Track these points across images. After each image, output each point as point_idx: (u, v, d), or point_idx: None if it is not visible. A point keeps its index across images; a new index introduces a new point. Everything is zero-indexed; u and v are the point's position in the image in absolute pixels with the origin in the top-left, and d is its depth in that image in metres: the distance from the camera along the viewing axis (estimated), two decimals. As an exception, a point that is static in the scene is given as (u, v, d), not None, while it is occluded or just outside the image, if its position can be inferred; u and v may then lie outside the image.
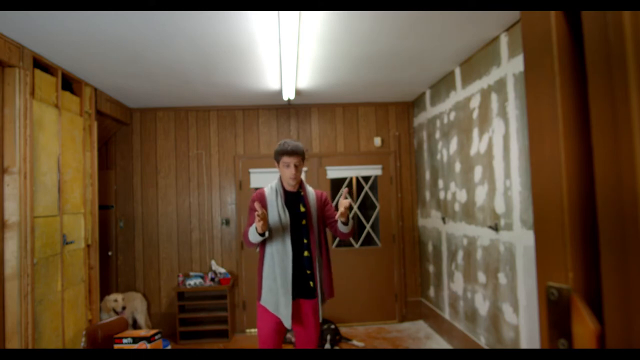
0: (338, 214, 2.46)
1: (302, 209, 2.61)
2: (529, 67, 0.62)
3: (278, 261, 2.51)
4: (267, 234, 2.46)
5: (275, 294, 2.51)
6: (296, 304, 2.55)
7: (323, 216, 2.68)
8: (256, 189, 5.24)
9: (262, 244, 2.59)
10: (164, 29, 2.96)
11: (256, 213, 2.33)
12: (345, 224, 2.52)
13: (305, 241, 2.57)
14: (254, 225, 2.46)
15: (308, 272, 2.56)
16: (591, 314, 0.51)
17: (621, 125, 0.46)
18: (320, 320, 2.59)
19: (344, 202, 2.42)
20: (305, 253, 2.56)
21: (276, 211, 2.56)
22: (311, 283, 2.56)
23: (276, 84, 4.39)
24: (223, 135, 5.30)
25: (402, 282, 5.33)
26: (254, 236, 2.47)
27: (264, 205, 2.57)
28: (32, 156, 3.16)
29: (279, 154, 2.56)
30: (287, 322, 2.46)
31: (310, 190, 2.71)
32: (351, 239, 5.41)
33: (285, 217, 2.55)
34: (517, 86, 3.04)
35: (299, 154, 2.57)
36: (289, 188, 2.64)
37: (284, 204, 2.58)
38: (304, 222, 2.59)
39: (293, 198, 2.63)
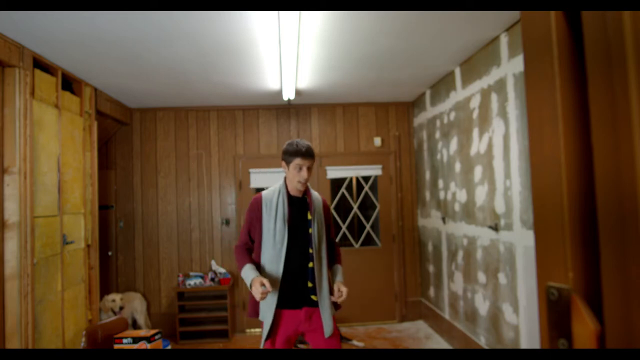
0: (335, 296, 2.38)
1: (309, 217, 2.40)
2: (529, 67, 0.62)
3: (269, 274, 2.34)
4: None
5: (266, 308, 2.35)
6: (305, 314, 2.35)
7: (326, 225, 2.51)
8: (257, 189, 5.25)
9: (257, 255, 2.43)
10: (164, 29, 2.96)
11: (258, 290, 2.17)
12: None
13: (310, 251, 2.36)
14: (247, 275, 2.29)
15: (310, 285, 2.36)
16: (591, 314, 0.51)
17: (621, 125, 0.46)
18: (330, 333, 2.35)
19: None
20: (310, 264, 2.36)
21: (274, 222, 2.36)
22: (313, 297, 2.36)
23: (276, 84, 4.39)
24: (223, 135, 5.30)
25: (402, 282, 5.33)
26: (245, 277, 2.31)
27: (259, 217, 2.40)
28: (32, 156, 3.16)
29: (292, 155, 2.34)
30: (262, 340, 2.32)
31: (316, 196, 2.51)
32: (351, 239, 5.42)
33: (284, 228, 2.35)
34: (517, 86, 3.04)
35: (313, 157, 2.37)
36: (294, 193, 2.43)
37: (286, 212, 2.37)
38: (310, 230, 2.38)
39: (299, 204, 2.43)
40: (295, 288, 2.35)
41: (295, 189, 2.43)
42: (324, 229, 2.46)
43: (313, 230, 2.38)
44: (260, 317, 2.37)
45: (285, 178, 2.46)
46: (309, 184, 2.51)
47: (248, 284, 2.27)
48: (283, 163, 2.43)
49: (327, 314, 2.35)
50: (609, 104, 0.48)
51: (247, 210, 2.47)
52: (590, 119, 0.51)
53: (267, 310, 2.33)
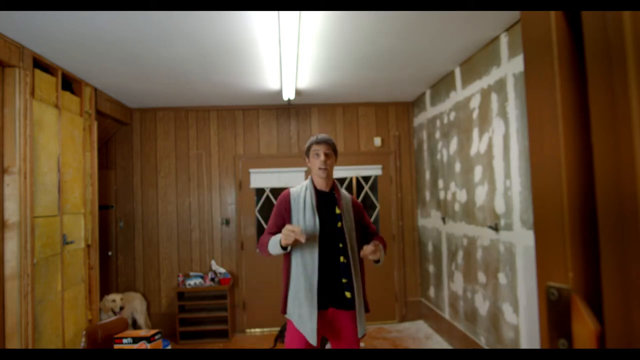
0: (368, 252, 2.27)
1: (338, 211, 2.37)
2: (529, 68, 0.62)
3: (302, 269, 2.26)
4: (289, 248, 2.24)
5: (298, 305, 2.26)
6: (331, 315, 2.30)
7: (360, 224, 2.47)
8: (257, 189, 5.25)
9: (288, 256, 2.36)
10: (164, 29, 2.96)
11: (290, 229, 2.11)
12: (378, 261, 2.36)
13: (341, 246, 2.31)
14: (276, 237, 2.24)
15: (344, 280, 2.29)
16: (591, 314, 0.51)
17: (621, 125, 0.46)
18: (363, 335, 2.31)
19: (367, 254, 2.27)
20: (342, 259, 2.30)
21: (302, 213, 2.33)
22: (347, 294, 2.29)
23: (276, 84, 4.39)
24: (223, 135, 5.30)
25: (402, 282, 5.32)
26: (274, 248, 2.26)
27: (288, 208, 2.38)
28: (32, 156, 3.16)
29: (309, 146, 2.42)
30: (312, 338, 2.18)
31: (345, 194, 2.49)
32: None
33: (314, 220, 2.31)
34: (517, 86, 3.04)
35: (329, 143, 2.41)
36: (321, 187, 2.42)
37: (314, 205, 2.34)
38: (339, 224, 2.33)
39: (326, 199, 2.41)
40: (328, 284, 2.28)
41: (320, 182, 2.42)
42: (354, 226, 2.40)
43: (342, 225, 2.34)
44: (287, 315, 2.31)
45: (311, 176, 2.48)
46: (337, 182, 2.49)
47: (278, 249, 2.23)
48: (306, 159, 2.47)
49: (362, 312, 2.32)
50: (609, 104, 0.48)
51: (274, 206, 2.45)
52: (590, 119, 0.51)
53: (302, 308, 2.24)
